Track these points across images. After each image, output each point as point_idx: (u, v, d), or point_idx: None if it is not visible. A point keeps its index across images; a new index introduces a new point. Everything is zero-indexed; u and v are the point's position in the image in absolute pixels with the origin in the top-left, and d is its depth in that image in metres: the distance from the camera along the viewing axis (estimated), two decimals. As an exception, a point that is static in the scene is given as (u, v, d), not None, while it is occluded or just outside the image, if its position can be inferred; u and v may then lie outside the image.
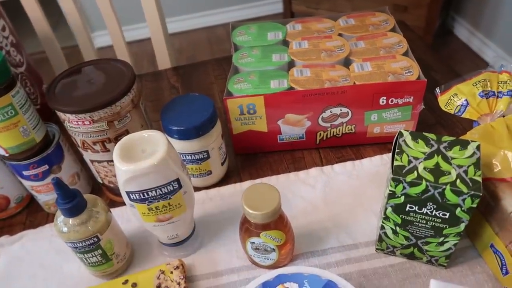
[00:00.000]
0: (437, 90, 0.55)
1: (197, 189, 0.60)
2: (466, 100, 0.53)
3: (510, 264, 0.43)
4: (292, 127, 0.61)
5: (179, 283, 0.47)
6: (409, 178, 0.40)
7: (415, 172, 0.40)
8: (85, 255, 0.46)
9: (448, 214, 0.41)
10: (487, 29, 2.06)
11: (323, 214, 0.55)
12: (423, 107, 0.59)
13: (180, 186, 0.43)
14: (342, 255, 0.50)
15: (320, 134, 0.62)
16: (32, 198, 0.60)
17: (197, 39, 2.61)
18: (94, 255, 0.46)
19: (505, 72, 0.54)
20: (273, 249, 0.46)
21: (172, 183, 0.42)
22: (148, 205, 0.43)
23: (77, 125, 0.48)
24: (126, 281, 0.47)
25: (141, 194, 0.42)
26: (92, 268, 0.48)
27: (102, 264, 0.48)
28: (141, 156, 0.41)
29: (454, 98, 0.54)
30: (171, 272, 0.48)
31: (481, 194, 0.38)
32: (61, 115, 0.48)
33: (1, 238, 0.56)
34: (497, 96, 0.53)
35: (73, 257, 0.53)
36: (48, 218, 0.59)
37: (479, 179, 0.39)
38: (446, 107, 0.55)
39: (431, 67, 0.78)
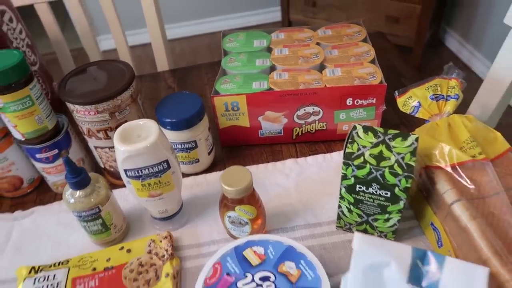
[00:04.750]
0: (396, 93, 0.64)
1: (186, 175, 0.68)
2: (419, 102, 0.61)
3: (444, 238, 0.51)
4: (271, 123, 0.69)
5: (166, 250, 0.55)
6: (356, 162, 0.48)
7: (362, 157, 0.49)
8: (88, 223, 0.54)
9: (389, 193, 0.49)
10: (475, 41, 2.16)
11: (294, 198, 0.63)
12: (385, 108, 0.67)
13: (169, 167, 0.52)
14: (307, 232, 0.58)
15: (296, 130, 0.71)
16: (42, 179, 0.69)
17: (199, 45, 2.71)
18: (95, 224, 0.55)
19: (454, 79, 0.63)
20: (247, 222, 0.54)
21: (162, 163, 0.51)
22: (141, 181, 0.52)
23: (84, 115, 0.57)
24: (122, 248, 0.56)
25: (136, 172, 0.50)
26: (93, 236, 0.57)
27: (102, 233, 0.56)
28: (137, 139, 0.49)
29: (409, 100, 0.62)
30: (161, 241, 0.56)
31: (413, 176, 0.46)
32: (70, 106, 0.57)
33: (15, 213, 0.65)
34: (446, 99, 0.61)
35: (78, 229, 0.61)
36: (56, 197, 0.67)
37: (413, 164, 0.47)
38: (403, 107, 0.63)
39: (402, 74, 0.86)
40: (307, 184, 0.65)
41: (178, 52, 2.64)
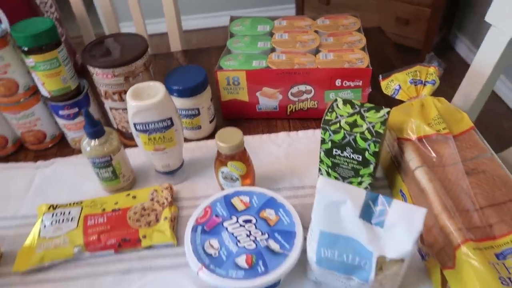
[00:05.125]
0: (380, 76, 0.71)
1: (189, 140, 0.76)
2: (399, 85, 0.68)
3: (409, 201, 0.59)
4: (268, 99, 0.77)
5: (166, 199, 0.63)
6: (332, 127, 0.56)
7: (338, 124, 0.56)
8: (100, 170, 0.63)
9: (361, 157, 0.57)
10: (483, 46, 2.19)
11: (283, 165, 0.71)
12: (370, 90, 0.74)
13: (172, 124, 0.60)
14: (291, 193, 0.66)
15: (290, 107, 0.78)
16: (63, 136, 0.78)
17: (214, 37, 2.80)
18: (107, 171, 0.63)
19: (433, 67, 0.69)
20: (237, 178, 0.62)
21: (166, 120, 0.59)
22: (148, 135, 0.60)
23: (102, 78, 0.66)
24: (128, 194, 0.64)
25: (143, 126, 0.59)
26: (104, 183, 0.65)
27: (112, 180, 0.65)
28: (146, 97, 0.58)
29: (391, 83, 0.69)
30: (162, 191, 0.64)
31: (379, 141, 0.54)
32: (91, 69, 0.66)
33: (38, 162, 0.74)
34: (424, 84, 0.68)
35: (91, 179, 0.70)
36: (74, 152, 0.76)
37: (381, 131, 0.55)
38: (385, 90, 0.70)
39: (395, 66, 0.93)
40: (296, 154, 0.73)
41: (194, 43, 2.73)
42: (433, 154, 0.57)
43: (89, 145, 0.61)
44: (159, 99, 0.57)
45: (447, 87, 0.90)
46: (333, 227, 0.45)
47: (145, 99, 0.57)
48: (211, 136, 0.78)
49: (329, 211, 0.45)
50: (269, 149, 0.74)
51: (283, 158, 0.72)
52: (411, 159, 0.57)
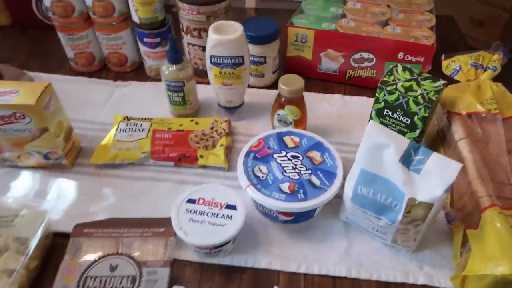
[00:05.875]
0: (443, 56, 0.74)
1: (252, 86, 0.83)
2: (460, 66, 0.71)
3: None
4: (330, 61, 0.82)
5: (224, 129, 0.70)
6: (389, 88, 0.60)
7: (395, 86, 0.60)
8: (172, 93, 0.71)
9: (409, 120, 0.61)
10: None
11: (333, 122, 0.76)
12: (430, 68, 0.77)
13: (243, 63, 0.67)
14: (337, 147, 0.70)
15: (349, 72, 0.83)
16: (141, 64, 0.87)
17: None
18: (178, 95, 0.71)
19: (498, 54, 0.71)
20: (291, 122, 0.68)
21: (238, 57, 0.66)
22: (220, 69, 0.67)
23: (187, 13, 0.73)
24: (192, 120, 0.72)
25: (218, 59, 0.66)
26: (173, 106, 0.74)
27: (180, 105, 0.73)
28: (225, 33, 0.64)
29: (452, 63, 0.72)
30: (221, 123, 0.72)
31: (431, 106, 0.58)
32: (179, 3, 0.73)
33: (117, 82, 0.83)
34: (485, 69, 0.70)
35: (161, 103, 0.78)
36: (148, 79, 0.85)
37: (434, 98, 0.59)
38: (445, 70, 0.73)
39: (456, 49, 0.95)
40: (347, 115, 0.78)
41: (267, 4, 2.77)
42: (479, 130, 0.60)
43: (167, 69, 0.69)
44: (236, 36, 0.64)
45: None
46: (374, 167, 0.50)
47: (223, 34, 0.64)
48: (271, 86, 0.84)
49: (373, 152, 0.50)
50: (322, 106, 0.80)
51: (334, 116, 0.78)
52: (457, 131, 0.61)
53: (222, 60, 0.66)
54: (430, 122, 0.67)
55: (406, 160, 0.49)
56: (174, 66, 0.69)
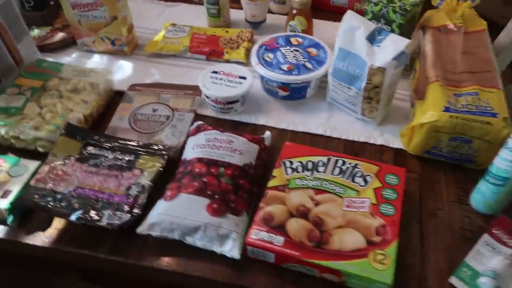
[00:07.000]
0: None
1: (274, 13, 1.02)
2: (445, -4, 0.85)
3: (418, 75, 0.78)
4: (342, -5, 0.99)
5: (247, 37, 0.90)
6: (374, 0, 0.77)
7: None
8: (210, 6, 0.91)
9: (389, 28, 0.77)
10: None
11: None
12: (424, 2, 0.92)
13: (265, -18, 0.86)
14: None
15: (356, 5, 0.99)
16: (188, -8, 1.08)
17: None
18: (214, 8, 0.91)
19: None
20: (300, 32, 0.86)
21: (262, -24, 0.85)
22: (247, -14, 0.86)
23: None
24: (223, 29, 0.92)
25: (246, -23, 0.85)
26: (210, 17, 0.94)
27: (215, 17, 0.93)
28: (253, -45, 0.84)
29: (439, -5, 0.87)
30: (246, 33, 0.91)
31: (405, 14, 0.74)
32: None
33: (168, 2, 1.05)
34: (465, 0, 0.84)
35: (201, 19, 0.98)
36: (191, 2, 1.06)
37: (409, 8, 0.74)
38: (433, 1, 0.88)
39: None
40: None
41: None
42: (444, 39, 0.75)
43: (208, -15, 0.89)
44: (261, -42, 0.82)
45: None
46: (347, 45, 0.68)
47: (252, -44, 0.83)
48: (291, 14, 1.02)
49: (348, 33, 0.67)
50: (329, 30, 0.96)
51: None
52: (427, 38, 0.77)
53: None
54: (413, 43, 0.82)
55: (371, 38, 0.66)
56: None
